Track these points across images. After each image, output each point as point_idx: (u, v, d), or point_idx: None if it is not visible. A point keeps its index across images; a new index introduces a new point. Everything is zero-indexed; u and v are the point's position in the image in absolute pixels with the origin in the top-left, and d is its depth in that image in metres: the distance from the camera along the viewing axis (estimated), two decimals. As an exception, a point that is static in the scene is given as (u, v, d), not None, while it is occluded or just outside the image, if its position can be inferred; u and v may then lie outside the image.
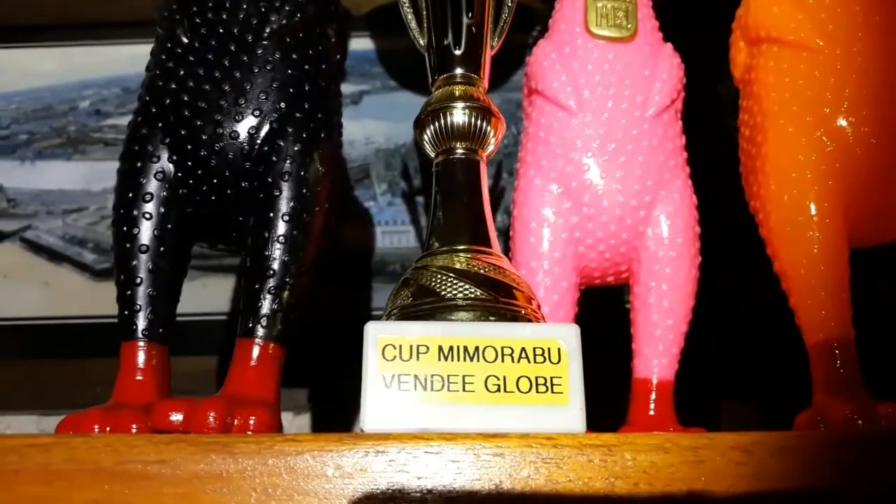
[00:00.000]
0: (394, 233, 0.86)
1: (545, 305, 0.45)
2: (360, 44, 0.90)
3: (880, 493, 0.31)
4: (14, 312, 0.83)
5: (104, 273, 0.84)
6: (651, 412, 0.45)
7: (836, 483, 0.31)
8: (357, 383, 0.33)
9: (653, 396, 0.45)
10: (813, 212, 0.42)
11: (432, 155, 0.42)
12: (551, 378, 0.33)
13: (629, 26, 0.47)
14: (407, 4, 0.45)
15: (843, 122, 0.42)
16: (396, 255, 0.84)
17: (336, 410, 0.76)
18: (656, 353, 0.46)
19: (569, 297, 0.46)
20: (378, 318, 0.76)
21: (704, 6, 0.64)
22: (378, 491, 0.30)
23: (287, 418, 0.76)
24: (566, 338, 0.34)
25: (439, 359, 0.33)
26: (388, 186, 0.87)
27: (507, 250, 0.46)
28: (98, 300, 0.82)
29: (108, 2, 0.94)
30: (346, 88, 0.91)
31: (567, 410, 0.33)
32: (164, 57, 0.42)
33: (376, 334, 0.33)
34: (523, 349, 0.34)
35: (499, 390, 0.33)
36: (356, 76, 0.92)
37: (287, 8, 0.42)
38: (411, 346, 0.33)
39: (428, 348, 0.33)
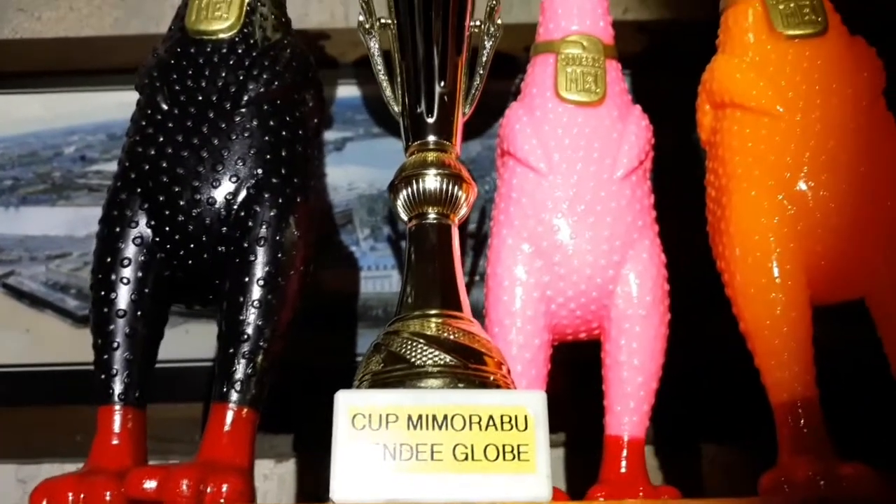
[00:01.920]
0: (376, 278, 0.86)
1: (518, 363, 0.46)
2: (345, 91, 0.92)
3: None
4: (-7, 358, 0.82)
5: (87, 319, 0.84)
6: (622, 469, 0.46)
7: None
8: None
9: (624, 454, 0.46)
10: (775, 274, 0.43)
11: (405, 219, 0.43)
12: (518, 446, 0.34)
13: (598, 91, 0.48)
14: (382, 72, 0.46)
15: (803, 187, 0.43)
16: (379, 299, 0.84)
17: (322, 456, 0.76)
18: (627, 410, 0.46)
19: (541, 354, 0.47)
20: (355, 363, 0.76)
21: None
22: None
23: (269, 466, 0.76)
24: (533, 405, 0.35)
25: (408, 427, 0.34)
26: (371, 232, 0.88)
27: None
28: (80, 347, 0.82)
29: (95, 49, 0.96)
30: (330, 135, 0.93)
31: (534, 478, 0.34)
32: (143, 123, 0.43)
33: (346, 403, 0.34)
34: (491, 417, 0.34)
35: (467, 458, 0.34)
36: (340, 123, 0.94)
37: (265, 76, 0.43)
38: (380, 415, 0.34)
39: (397, 417, 0.34)
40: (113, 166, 0.94)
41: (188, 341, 0.82)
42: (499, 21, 0.49)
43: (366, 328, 0.84)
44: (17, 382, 0.82)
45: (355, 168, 0.90)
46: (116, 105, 0.95)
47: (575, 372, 0.58)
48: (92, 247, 0.87)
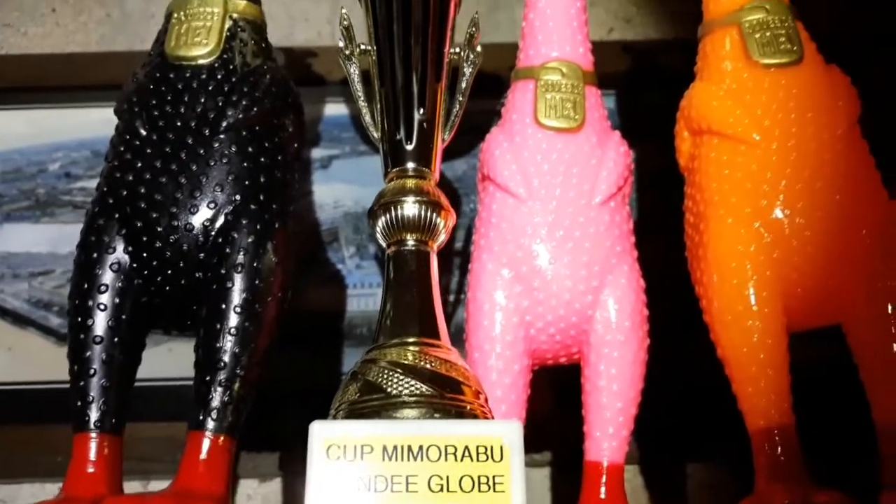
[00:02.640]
0: (361, 296, 0.86)
1: (498, 388, 0.46)
2: (331, 109, 0.92)
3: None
4: (-26, 377, 0.82)
5: (69, 337, 0.84)
6: (602, 495, 0.46)
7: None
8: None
9: (603, 479, 0.46)
10: (752, 301, 0.43)
11: (384, 245, 0.43)
12: (493, 477, 0.34)
13: (577, 117, 0.49)
14: (362, 98, 0.46)
15: (779, 214, 0.44)
16: (364, 318, 0.84)
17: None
18: (606, 435, 0.46)
19: (521, 379, 0.47)
20: (335, 383, 0.76)
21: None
22: None
23: (252, 486, 0.76)
24: (508, 435, 0.35)
25: (383, 459, 0.34)
26: (357, 249, 0.88)
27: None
28: (63, 365, 0.81)
29: (79, 65, 0.96)
30: (317, 153, 0.93)
31: (508, 509, 0.34)
32: (122, 148, 0.43)
33: (321, 434, 0.34)
34: (466, 447, 0.34)
35: (442, 490, 0.34)
36: (326, 141, 0.94)
37: (244, 102, 0.44)
38: (355, 447, 0.34)
39: (372, 448, 0.34)
40: (97, 183, 0.94)
41: (170, 360, 0.82)
42: (478, 48, 0.49)
43: (350, 346, 0.84)
44: (-1, 400, 0.82)
45: (341, 186, 0.90)
46: (101, 122, 0.94)
47: (561, 391, 0.58)
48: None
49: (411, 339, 0.39)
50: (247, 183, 0.42)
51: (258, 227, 0.42)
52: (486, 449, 0.34)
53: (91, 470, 0.40)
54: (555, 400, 0.63)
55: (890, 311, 0.43)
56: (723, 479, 0.70)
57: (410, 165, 0.43)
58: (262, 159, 0.43)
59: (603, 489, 0.46)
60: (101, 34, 1.02)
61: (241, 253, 0.41)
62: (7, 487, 0.79)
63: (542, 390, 0.60)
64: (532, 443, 0.67)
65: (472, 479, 0.34)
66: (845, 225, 0.44)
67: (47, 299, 0.86)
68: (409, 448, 0.34)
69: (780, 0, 0.49)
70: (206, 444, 0.38)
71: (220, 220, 0.42)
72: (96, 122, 0.95)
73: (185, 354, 0.83)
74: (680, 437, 0.70)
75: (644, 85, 0.91)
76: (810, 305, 0.45)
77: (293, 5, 0.99)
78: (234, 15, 0.47)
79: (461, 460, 0.34)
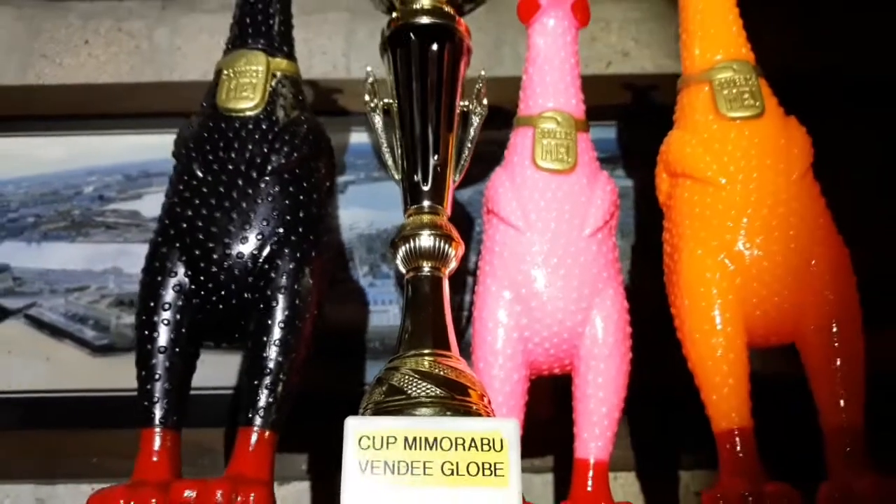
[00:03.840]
0: (374, 312, 0.95)
1: (499, 395, 0.55)
2: (348, 138, 1.01)
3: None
4: (17, 385, 0.91)
5: (103, 349, 0.93)
6: (588, 489, 0.54)
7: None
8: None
9: (590, 474, 0.55)
10: (717, 322, 0.52)
11: (404, 271, 0.53)
12: (495, 464, 0.43)
13: (569, 160, 0.58)
14: (385, 145, 0.56)
15: (740, 247, 0.53)
16: (376, 333, 0.93)
17: (324, 478, 0.83)
18: (593, 436, 0.55)
19: (519, 387, 0.56)
20: (355, 391, 0.85)
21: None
22: None
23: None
24: (507, 431, 0.44)
25: (405, 448, 0.43)
26: (370, 269, 0.97)
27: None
28: (97, 375, 0.91)
29: (111, 95, 1.06)
30: (334, 179, 1.01)
31: (507, 491, 0.43)
32: (181, 187, 0.53)
33: (354, 428, 0.43)
34: (473, 440, 0.43)
35: (453, 474, 0.43)
36: (343, 168, 1.03)
37: (285, 149, 0.53)
38: (382, 438, 0.43)
39: (396, 439, 0.43)
40: (128, 205, 1.04)
41: (199, 370, 0.91)
42: (485, 101, 0.59)
43: (366, 360, 0.93)
44: (38, 407, 0.91)
45: (357, 209, 1.00)
46: (131, 148, 1.04)
47: (564, 400, 0.67)
48: (110, 282, 0.97)
49: (427, 351, 0.49)
50: (288, 218, 0.52)
51: (298, 255, 0.51)
52: (488, 441, 0.44)
53: (156, 459, 0.49)
54: (556, 408, 0.72)
55: (834, 331, 0.52)
56: (711, 484, 0.79)
57: (426, 203, 0.53)
58: (301, 197, 0.53)
59: (590, 482, 0.54)
60: (132, 65, 1.12)
61: (284, 277, 0.50)
62: (45, 488, 0.88)
63: (545, 399, 0.70)
64: (534, 448, 0.76)
65: (477, 465, 0.43)
66: (797, 257, 0.53)
67: (82, 313, 0.95)
68: (426, 439, 0.43)
69: (745, 61, 0.58)
70: (254, 437, 0.47)
71: (266, 250, 0.51)
72: (127, 149, 1.05)
73: (214, 365, 0.93)
74: (672, 446, 0.79)
75: (642, 116, 1.00)
76: (768, 326, 0.54)
77: (313, 40, 1.09)
78: (276, 72, 0.56)
79: (468, 450, 0.43)
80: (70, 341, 0.94)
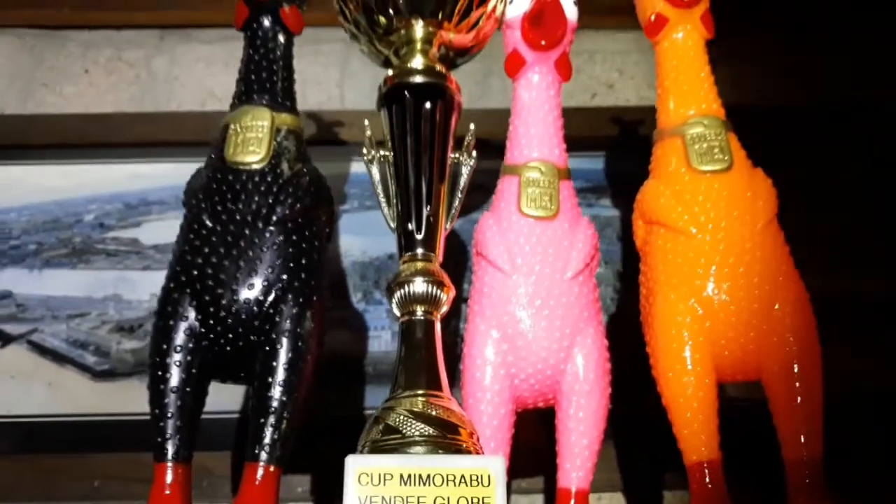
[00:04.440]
0: (368, 338, 1.00)
1: (487, 429, 0.60)
2: (341, 168, 1.06)
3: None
4: (19, 410, 0.95)
5: (104, 374, 0.97)
6: (571, 516, 0.60)
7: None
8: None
9: (572, 503, 0.60)
10: (688, 362, 0.58)
11: (398, 314, 0.58)
12: (483, 498, 0.48)
13: (552, 207, 0.63)
14: (381, 194, 0.61)
15: (709, 293, 0.58)
16: (369, 358, 0.98)
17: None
18: (575, 466, 0.61)
19: (506, 421, 0.61)
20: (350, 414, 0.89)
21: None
22: None
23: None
24: (494, 467, 0.49)
25: (400, 483, 0.48)
26: (363, 295, 1.02)
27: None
28: (98, 399, 0.95)
29: (111, 125, 1.11)
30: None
31: (494, 523, 0.48)
32: (191, 235, 0.58)
33: (354, 465, 0.48)
34: (462, 476, 0.49)
35: (444, 508, 0.48)
36: (336, 197, 1.08)
37: (289, 201, 0.58)
38: (380, 474, 0.48)
39: (392, 476, 0.48)
40: (128, 233, 1.09)
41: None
42: (473, 153, 0.64)
43: (358, 384, 0.98)
44: (40, 431, 0.95)
45: (350, 237, 1.05)
46: (130, 176, 1.09)
47: (551, 427, 0.72)
48: (110, 308, 1.02)
49: (420, 392, 0.54)
50: (291, 265, 0.57)
51: (300, 300, 0.56)
52: (477, 477, 0.49)
53: (168, 492, 0.54)
54: (545, 433, 0.77)
55: (795, 371, 0.57)
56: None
57: (419, 251, 0.58)
58: (303, 245, 0.58)
59: (571, 512, 0.60)
60: (131, 94, 1.17)
61: (288, 321, 0.55)
62: (47, 511, 0.92)
63: (535, 425, 0.75)
64: (523, 470, 0.81)
65: (466, 499, 0.48)
66: (761, 302, 0.58)
67: (84, 339, 1.00)
68: (420, 476, 0.48)
69: (715, 116, 0.64)
70: (260, 472, 0.52)
71: (271, 296, 0.56)
72: (127, 177, 1.10)
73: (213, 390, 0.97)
74: (657, 468, 0.84)
75: (626, 148, 1.06)
76: (735, 364, 0.59)
77: (306, 69, 1.14)
78: (281, 127, 0.61)
79: (459, 485, 0.48)
80: (71, 366, 0.98)
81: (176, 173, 1.09)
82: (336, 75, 1.18)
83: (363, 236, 1.06)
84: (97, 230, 1.06)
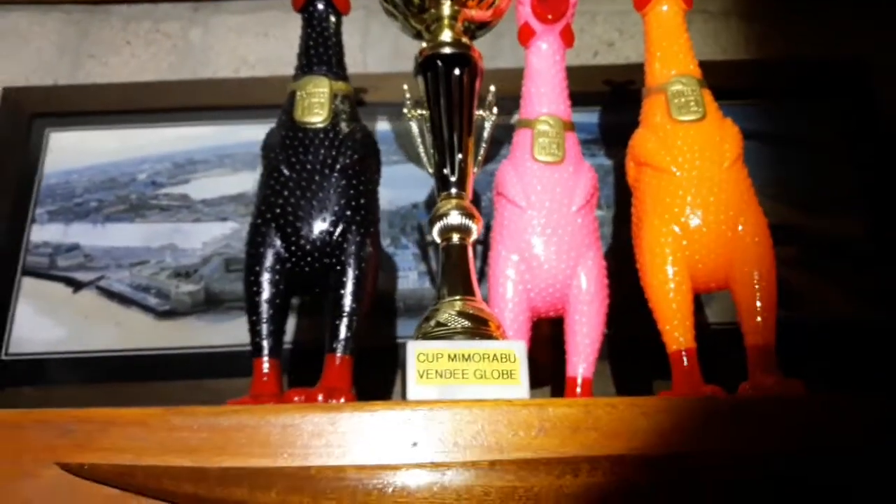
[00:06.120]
0: (396, 278, 1.21)
1: (510, 331, 0.81)
2: (369, 127, 1.26)
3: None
4: (93, 346, 1.16)
5: (165, 314, 1.18)
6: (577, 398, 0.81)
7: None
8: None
9: (578, 390, 0.81)
10: (669, 273, 0.78)
11: (438, 241, 0.78)
12: (510, 370, 0.69)
13: (559, 154, 0.84)
14: (420, 146, 0.81)
15: (686, 219, 0.79)
16: (399, 295, 1.19)
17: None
18: (580, 359, 0.82)
19: (524, 327, 0.82)
20: (385, 342, 1.10)
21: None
22: (419, 434, 0.65)
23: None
24: (518, 348, 0.70)
25: (448, 360, 0.69)
26: (391, 241, 1.23)
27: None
28: (161, 336, 1.16)
29: (156, 92, 1.30)
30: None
31: (519, 387, 0.69)
32: (272, 182, 0.78)
33: (414, 347, 0.69)
34: (494, 354, 0.69)
35: (482, 377, 0.69)
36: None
37: (348, 152, 0.78)
38: (433, 354, 0.69)
39: (442, 355, 0.69)
40: (178, 189, 1.30)
41: (225, 333, 1.15)
42: (494, 110, 0.84)
43: (389, 318, 1.18)
44: (112, 365, 1.16)
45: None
46: (176, 139, 1.30)
47: (556, 348, 0.93)
48: (167, 256, 1.23)
49: (458, 297, 0.75)
50: (353, 203, 0.77)
51: (362, 230, 0.76)
52: (505, 355, 0.69)
53: (265, 379, 0.74)
54: (553, 355, 0.98)
55: (756, 278, 0.78)
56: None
57: (454, 191, 0.79)
58: (361, 188, 0.78)
59: (578, 393, 0.81)
60: (170, 63, 1.36)
61: (353, 247, 0.76)
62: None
63: (545, 346, 0.96)
64: (533, 381, 1.03)
65: (498, 371, 0.69)
66: (728, 224, 0.78)
67: (146, 284, 1.20)
68: (463, 355, 0.69)
69: (692, 76, 0.83)
70: (338, 360, 0.73)
71: (339, 227, 0.76)
72: (173, 139, 1.30)
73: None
74: (645, 383, 1.05)
75: (623, 103, 1.26)
76: (708, 275, 0.80)
77: (332, 38, 1.32)
78: (337, 93, 0.81)
79: (492, 361, 0.69)
80: (136, 308, 1.19)
81: (216, 135, 1.31)
82: (359, 40, 1.36)
83: (389, 188, 1.24)
84: (150, 188, 1.26)
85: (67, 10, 1.35)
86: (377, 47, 1.36)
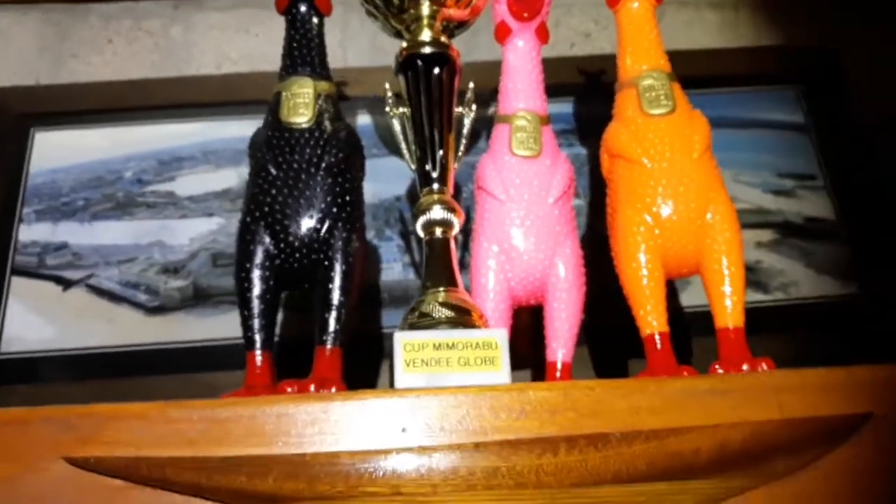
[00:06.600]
0: (380, 270, 1.25)
1: (491, 320, 0.86)
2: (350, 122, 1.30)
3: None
4: (85, 343, 1.19)
5: (155, 310, 1.22)
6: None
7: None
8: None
9: (557, 374, 0.86)
10: (642, 260, 0.83)
11: (422, 235, 0.82)
12: (492, 358, 0.74)
13: (536, 147, 0.88)
14: (402, 142, 0.85)
15: (657, 209, 0.83)
16: (383, 286, 1.23)
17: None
18: (560, 345, 0.86)
19: (505, 314, 0.87)
20: (371, 332, 1.15)
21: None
22: (407, 420, 0.69)
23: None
24: (499, 337, 0.75)
25: (433, 349, 0.73)
26: (375, 233, 1.27)
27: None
28: (151, 331, 1.20)
29: (139, 90, 1.33)
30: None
31: (500, 374, 0.73)
32: (259, 180, 0.82)
33: (401, 338, 0.73)
34: (476, 342, 0.74)
35: (466, 364, 0.73)
36: (346, 146, 1.30)
37: (333, 151, 0.82)
38: (419, 344, 0.73)
39: (427, 345, 0.73)
40: (164, 186, 1.33)
41: (215, 326, 1.19)
42: (473, 107, 0.88)
43: (375, 308, 1.22)
44: (104, 361, 1.19)
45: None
46: (161, 136, 1.33)
47: (536, 334, 0.98)
48: (155, 253, 1.26)
49: (442, 288, 0.79)
50: (339, 201, 0.81)
51: (347, 226, 0.81)
52: (487, 343, 0.74)
53: (258, 371, 0.78)
54: (531, 341, 1.03)
55: (724, 263, 0.82)
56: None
57: (435, 186, 0.83)
58: (346, 185, 0.82)
59: (558, 377, 0.85)
60: (152, 61, 1.39)
61: (340, 242, 0.80)
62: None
63: (525, 333, 1.00)
64: (514, 364, 1.08)
65: (480, 358, 0.73)
66: (698, 212, 0.83)
67: (135, 280, 1.24)
68: (447, 343, 0.73)
69: (662, 71, 0.88)
70: (327, 352, 0.77)
71: (326, 224, 0.80)
72: (157, 137, 1.33)
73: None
74: (622, 367, 1.11)
75: (598, 94, 1.30)
76: (680, 261, 0.84)
77: (311, 33, 1.35)
78: (321, 93, 0.85)
79: (474, 349, 0.74)
80: (126, 304, 1.22)
81: (201, 131, 1.34)
82: (338, 35, 1.40)
83: (372, 181, 1.28)
84: (136, 185, 1.29)
85: (46, 10, 1.38)
86: (356, 42, 1.40)
